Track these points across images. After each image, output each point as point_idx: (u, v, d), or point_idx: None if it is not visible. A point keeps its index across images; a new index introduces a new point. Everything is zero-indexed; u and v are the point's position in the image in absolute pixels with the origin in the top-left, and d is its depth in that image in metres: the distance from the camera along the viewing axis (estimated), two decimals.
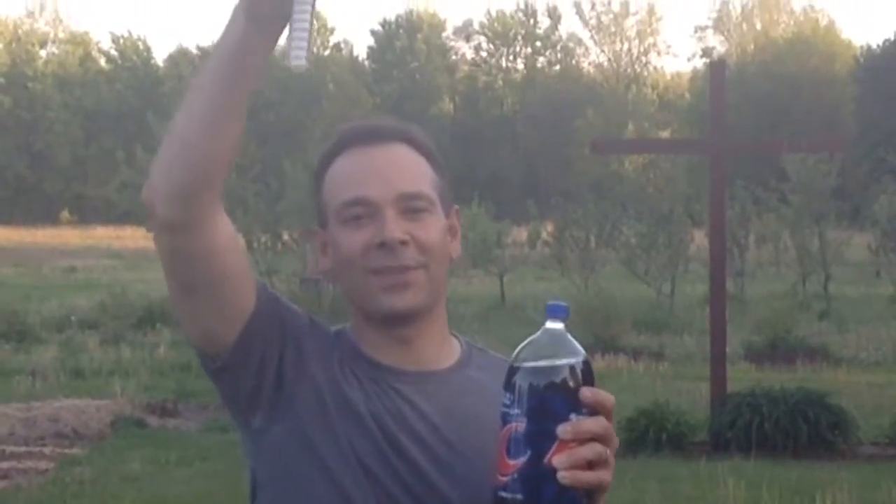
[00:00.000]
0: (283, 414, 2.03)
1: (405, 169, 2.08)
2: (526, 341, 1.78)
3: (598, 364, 14.34)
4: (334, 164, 2.11)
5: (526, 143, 77.84)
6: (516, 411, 1.74)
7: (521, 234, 32.15)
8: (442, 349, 2.14)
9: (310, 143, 27.71)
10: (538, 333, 1.78)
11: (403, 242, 2.02)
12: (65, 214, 70.09)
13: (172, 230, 1.90)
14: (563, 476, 1.73)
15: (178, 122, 1.89)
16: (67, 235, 56.87)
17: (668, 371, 15.38)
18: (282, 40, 1.89)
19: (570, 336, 1.78)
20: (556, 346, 1.76)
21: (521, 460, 1.73)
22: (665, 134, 70.18)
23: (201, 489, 9.78)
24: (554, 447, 1.73)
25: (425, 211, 2.06)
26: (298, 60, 1.79)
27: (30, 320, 20.04)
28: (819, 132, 54.46)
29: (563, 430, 1.73)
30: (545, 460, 1.72)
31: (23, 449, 11.33)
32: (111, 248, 46.90)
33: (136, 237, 38.28)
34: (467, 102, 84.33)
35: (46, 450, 11.34)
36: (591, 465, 1.76)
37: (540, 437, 1.73)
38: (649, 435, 10.86)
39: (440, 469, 2.01)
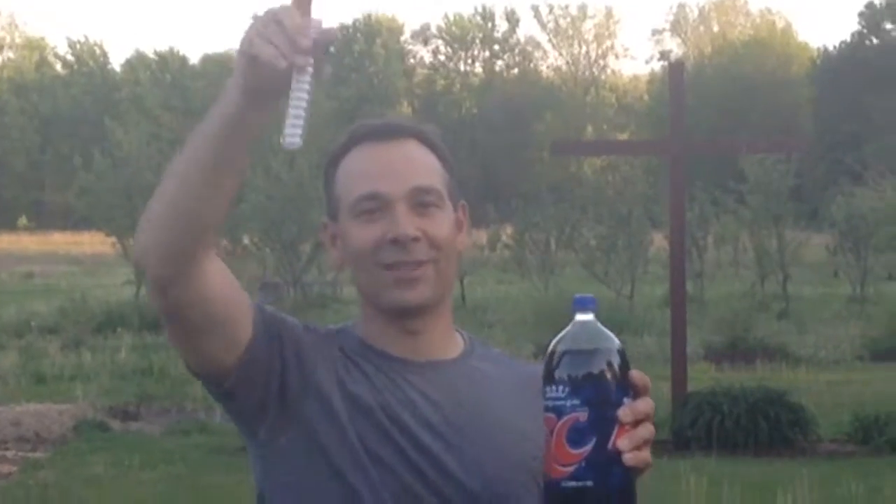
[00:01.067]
0: (289, 424, 2.05)
1: (416, 164, 2.12)
2: (562, 333, 1.81)
3: None
4: (347, 158, 2.15)
5: (485, 147, 77.87)
6: (574, 402, 1.78)
7: (480, 236, 32.16)
8: (448, 341, 2.18)
9: (268, 148, 27.59)
10: (572, 326, 1.81)
11: (415, 239, 2.06)
12: (22, 220, 69.51)
13: (167, 285, 1.92)
14: (629, 458, 1.80)
15: (169, 186, 1.90)
16: (25, 241, 56.51)
17: None
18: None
19: (600, 324, 1.82)
20: (597, 334, 1.81)
21: (587, 448, 1.78)
22: (624, 136, 70.57)
23: (164, 492, 9.77)
24: (615, 431, 1.79)
25: (435, 206, 2.11)
26: (293, 138, 1.78)
27: None
28: (776, 134, 54.73)
29: (623, 413, 1.80)
30: (609, 445, 1.79)
31: None
32: (69, 254, 46.70)
33: (94, 242, 38.04)
34: (426, 106, 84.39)
35: (9, 454, 11.32)
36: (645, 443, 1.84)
37: (602, 423, 1.79)
38: None
39: (453, 455, 2.05)
